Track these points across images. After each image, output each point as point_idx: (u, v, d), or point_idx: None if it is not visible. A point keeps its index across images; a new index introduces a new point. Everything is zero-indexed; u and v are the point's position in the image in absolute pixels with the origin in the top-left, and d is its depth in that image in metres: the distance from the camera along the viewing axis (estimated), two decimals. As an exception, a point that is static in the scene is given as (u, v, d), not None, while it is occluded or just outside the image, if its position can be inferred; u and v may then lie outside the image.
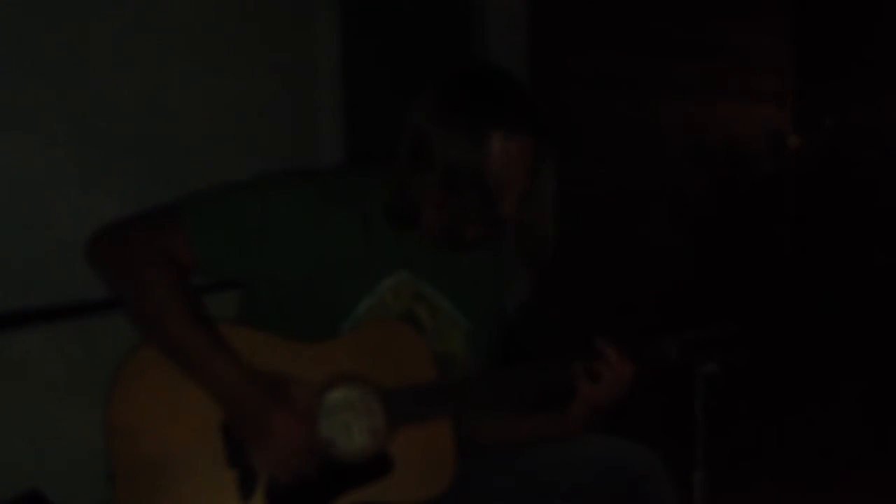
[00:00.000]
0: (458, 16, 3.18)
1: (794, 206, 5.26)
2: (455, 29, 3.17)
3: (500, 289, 1.69)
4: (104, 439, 1.38)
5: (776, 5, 5.14)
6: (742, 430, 3.19)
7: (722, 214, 4.64)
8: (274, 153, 2.34)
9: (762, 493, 2.86)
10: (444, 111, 1.44)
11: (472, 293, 1.61)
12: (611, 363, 1.50)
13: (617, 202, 3.85)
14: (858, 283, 4.80)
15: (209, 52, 2.20)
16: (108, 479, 1.38)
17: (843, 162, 5.21)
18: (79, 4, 1.94)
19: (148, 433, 1.38)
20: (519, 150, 1.43)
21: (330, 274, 1.47)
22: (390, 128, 1.52)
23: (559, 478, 1.58)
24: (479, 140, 1.41)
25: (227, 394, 1.37)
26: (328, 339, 1.46)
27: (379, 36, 2.87)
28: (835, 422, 3.43)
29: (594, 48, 3.68)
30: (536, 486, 1.59)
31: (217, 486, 1.38)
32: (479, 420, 1.62)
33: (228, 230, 1.43)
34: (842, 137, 5.23)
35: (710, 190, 4.61)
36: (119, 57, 2.01)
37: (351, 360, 1.44)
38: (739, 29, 4.75)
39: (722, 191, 4.70)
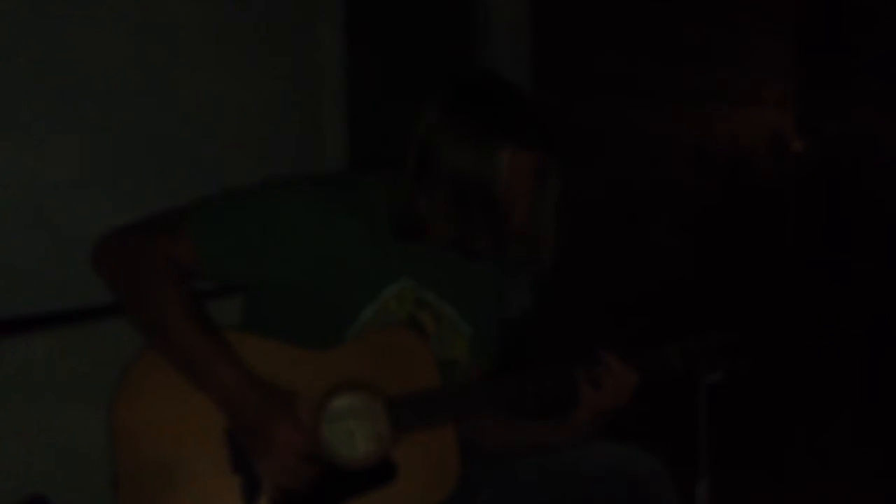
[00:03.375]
0: (462, 21, 3.19)
1: (796, 210, 5.27)
2: (459, 35, 3.18)
3: (500, 296, 1.69)
4: (108, 444, 1.38)
5: (779, 10, 5.15)
6: (744, 437, 3.18)
7: (724, 218, 4.64)
8: (278, 158, 2.35)
9: (762, 498, 2.86)
10: (452, 123, 1.44)
11: (475, 300, 1.61)
12: (613, 371, 1.50)
13: (620, 206, 3.86)
14: (859, 287, 4.80)
15: (213, 57, 2.20)
16: (112, 484, 1.38)
17: (844, 166, 5.22)
18: (83, 6, 1.95)
19: (152, 438, 1.38)
20: (528, 164, 1.44)
21: (333, 280, 1.47)
22: (394, 133, 1.52)
23: (561, 483, 1.59)
24: (488, 153, 1.41)
25: (230, 401, 1.37)
26: (332, 346, 1.46)
27: (383, 41, 2.88)
28: (837, 428, 3.43)
29: (597, 53, 3.69)
30: (539, 491, 1.60)
31: (221, 492, 1.38)
32: (482, 426, 1.61)
33: (233, 235, 1.43)
34: (843, 142, 5.24)
35: (713, 193, 4.62)
36: (123, 60, 2.01)
37: (354, 367, 1.44)
38: (742, 33, 4.76)
39: (724, 194, 4.71)
